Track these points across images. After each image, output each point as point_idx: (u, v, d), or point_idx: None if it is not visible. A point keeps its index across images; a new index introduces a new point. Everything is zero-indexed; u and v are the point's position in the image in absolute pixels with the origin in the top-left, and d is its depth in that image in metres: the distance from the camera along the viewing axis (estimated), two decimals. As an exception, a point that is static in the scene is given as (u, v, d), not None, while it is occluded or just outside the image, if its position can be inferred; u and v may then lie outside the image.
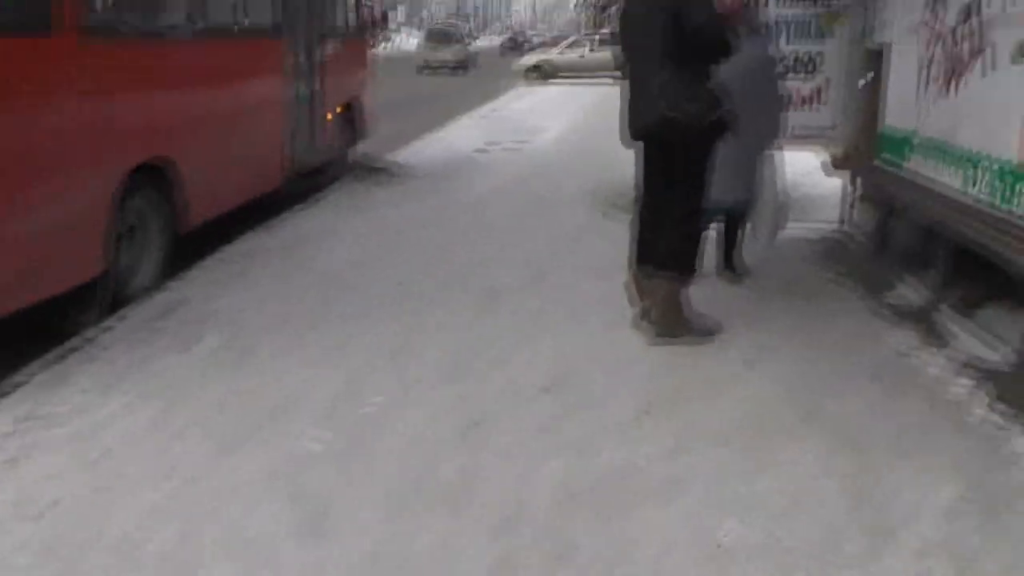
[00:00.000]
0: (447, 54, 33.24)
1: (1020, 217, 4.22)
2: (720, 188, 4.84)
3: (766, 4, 6.55)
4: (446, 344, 4.47)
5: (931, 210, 5.13)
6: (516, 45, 53.61)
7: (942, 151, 5.10)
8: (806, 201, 7.97)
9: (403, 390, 3.91)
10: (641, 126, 4.57)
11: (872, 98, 6.58)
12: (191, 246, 5.93)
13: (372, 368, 4.16)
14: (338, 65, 8.95)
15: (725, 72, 4.55)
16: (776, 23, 6.54)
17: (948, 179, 5.00)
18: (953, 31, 4.97)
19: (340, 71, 9.04)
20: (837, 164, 6.41)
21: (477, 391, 3.91)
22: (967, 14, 4.82)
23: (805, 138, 6.77)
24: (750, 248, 5.76)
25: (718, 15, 4.66)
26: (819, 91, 6.63)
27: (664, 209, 4.60)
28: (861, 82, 6.58)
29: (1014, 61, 4.32)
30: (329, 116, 8.78)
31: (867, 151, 6.32)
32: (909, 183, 5.49)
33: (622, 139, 4.74)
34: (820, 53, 6.61)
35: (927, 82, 5.32)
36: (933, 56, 5.23)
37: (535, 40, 54.48)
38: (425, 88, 24.07)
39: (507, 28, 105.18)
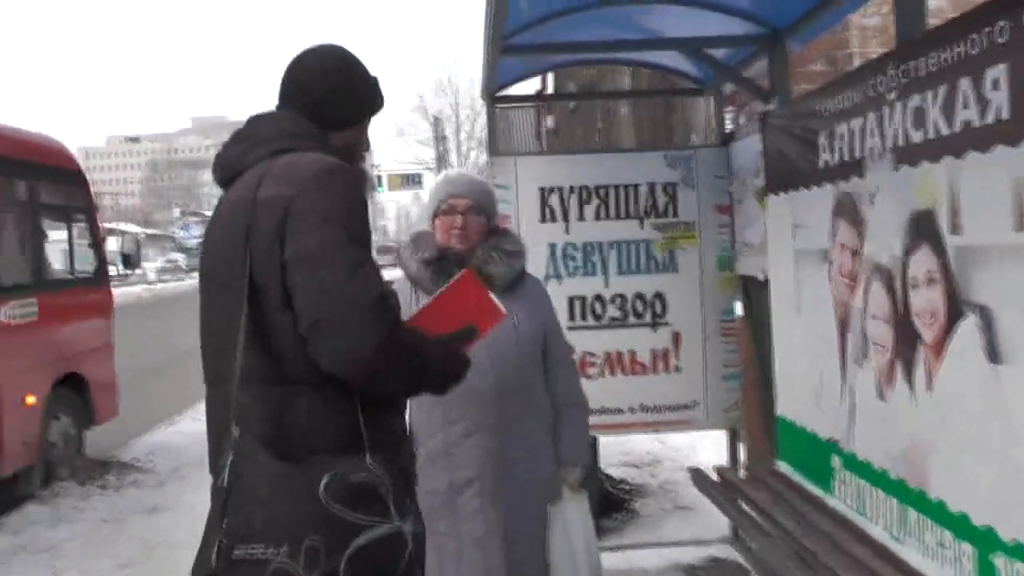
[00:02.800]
0: None
1: None
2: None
3: (574, 219, 4.10)
4: None
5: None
6: None
7: (904, 495, 2.52)
8: (673, 488, 5.45)
9: None
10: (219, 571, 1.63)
11: (754, 349, 4.09)
12: None
13: None
14: (45, 328, 6.52)
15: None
16: (587, 249, 4.09)
17: (924, 561, 2.41)
18: (901, 265, 2.47)
19: (49, 336, 6.58)
20: (709, 489, 3.68)
21: None
22: (922, 231, 2.35)
23: (652, 424, 4.20)
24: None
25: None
26: (666, 352, 4.08)
27: None
28: (737, 314, 4.14)
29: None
30: (30, 400, 6.24)
31: (760, 449, 3.75)
32: (840, 531, 2.82)
33: None
34: (660, 295, 4.10)
35: (852, 355, 2.77)
36: (862, 307, 2.71)
37: None
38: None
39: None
